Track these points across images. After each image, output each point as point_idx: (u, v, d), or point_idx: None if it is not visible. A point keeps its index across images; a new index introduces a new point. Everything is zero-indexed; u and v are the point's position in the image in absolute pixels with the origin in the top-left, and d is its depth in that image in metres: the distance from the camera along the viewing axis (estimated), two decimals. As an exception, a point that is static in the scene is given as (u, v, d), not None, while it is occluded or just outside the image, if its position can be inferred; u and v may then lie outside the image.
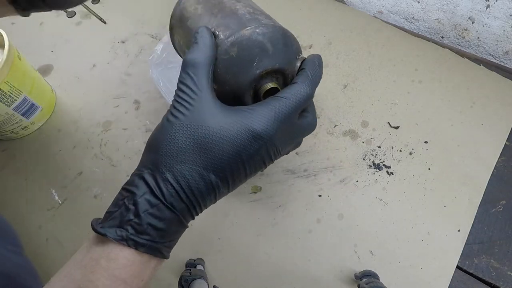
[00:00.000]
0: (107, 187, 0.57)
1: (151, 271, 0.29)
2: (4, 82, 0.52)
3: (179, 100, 0.28)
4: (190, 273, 0.45)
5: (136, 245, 0.26)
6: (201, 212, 0.30)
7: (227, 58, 0.31)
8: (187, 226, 0.30)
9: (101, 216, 0.29)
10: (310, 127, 0.33)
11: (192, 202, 0.28)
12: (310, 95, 0.31)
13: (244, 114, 0.28)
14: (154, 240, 0.27)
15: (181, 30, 0.38)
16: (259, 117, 0.28)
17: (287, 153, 0.35)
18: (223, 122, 0.28)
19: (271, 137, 0.28)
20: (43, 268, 0.52)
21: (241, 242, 0.52)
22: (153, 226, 0.27)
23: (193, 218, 0.30)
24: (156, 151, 0.28)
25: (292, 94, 0.29)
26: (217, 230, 0.53)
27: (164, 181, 0.27)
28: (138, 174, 0.28)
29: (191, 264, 0.49)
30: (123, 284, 0.26)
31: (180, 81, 0.29)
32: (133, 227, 0.26)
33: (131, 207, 0.27)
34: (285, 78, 0.34)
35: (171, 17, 0.39)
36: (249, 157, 0.28)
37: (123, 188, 0.29)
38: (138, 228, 0.26)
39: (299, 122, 0.32)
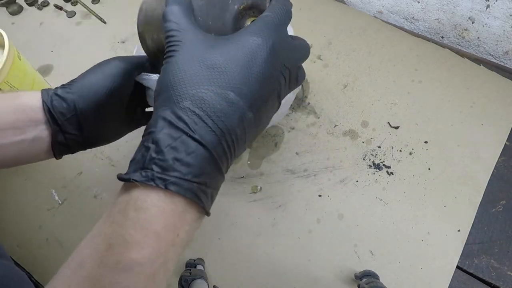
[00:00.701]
0: (107, 187, 0.57)
1: (188, 226, 0.25)
2: (4, 82, 0.52)
3: (170, 44, 0.28)
4: (190, 273, 0.45)
5: (166, 184, 0.23)
6: (234, 151, 0.26)
7: (203, 3, 0.32)
8: (223, 172, 0.26)
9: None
10: (304, 47, 0.32)
11: (221, 129, 0.25)
12: (289, 10, 0.31)
13: (239, 32, 0.28)
14: (185, 177, 0.23)
15: (151, 26, 0.37)
16: (253, 28, 0.28)
17: (291, 88, 0.32)
18: (222, 41, 0.28)
19: (273, 43, 0.28)
20: (43, 268, 0.52)
21: (241, 242, 0.52)
22: (181, 160, 0.23)
23: (228, 159, 0.26)
24: (165, 90, 0.26)
25: (271, 10, 0.30)
26: (217, 230, 0.53)
27: (183, 110, 0.25)
28: (154, 117, 0.26)
29: (191, 264, 0.49)
30: (155, 237, 0.23)
31: (166, 30, 0.29)
32: (158, 164, 0.23)
33: (151, 145, 0.24)
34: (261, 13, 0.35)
35: (138, 27, 0.38)
36: (260, 69, 0.27)
37: (143, 135, 0.26)
38: (163, 165, 0.23)
39: (293, 42, 0.31)
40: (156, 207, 0.23)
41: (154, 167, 0.23)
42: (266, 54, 0.27)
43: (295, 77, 0.31)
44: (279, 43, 0.28)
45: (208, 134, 0.25)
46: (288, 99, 0.51)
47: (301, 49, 0.32)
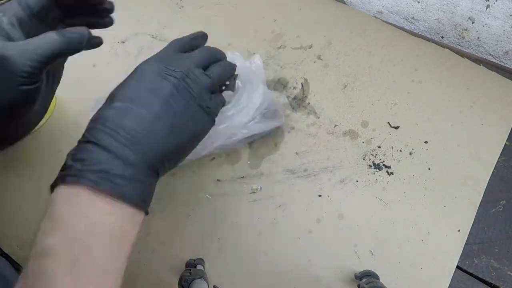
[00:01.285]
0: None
1: (101, 212, 0.28)
2: None
3: None
4: (190, 273, 0.45)
5: (64, 179, 0.28)
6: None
7: None
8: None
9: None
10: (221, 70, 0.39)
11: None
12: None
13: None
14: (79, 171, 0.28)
15: None
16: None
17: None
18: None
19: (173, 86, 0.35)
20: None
21: (241, 242, 0.52)
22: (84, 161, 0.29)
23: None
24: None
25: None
26: (217, 230, 0.53)
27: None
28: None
29: (191, 264, 0.49)
30: (61, 224, 0.27)
31: None
32: (63, 169, 0.29)
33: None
34: None
35: None
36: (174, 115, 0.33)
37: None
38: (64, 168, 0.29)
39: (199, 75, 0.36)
40: (61, 199, 0.28)
41: (67, 170, 0.29)
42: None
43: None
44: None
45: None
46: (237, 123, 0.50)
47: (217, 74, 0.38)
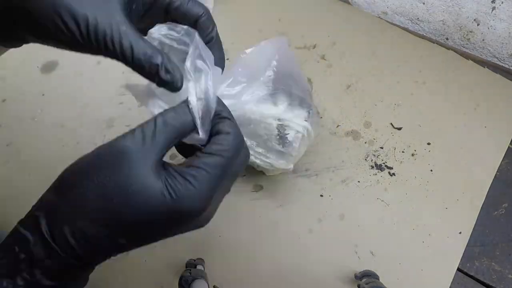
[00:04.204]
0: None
1: None
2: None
3: None
4: (190, 273, 0.45)
5: None
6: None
7: None
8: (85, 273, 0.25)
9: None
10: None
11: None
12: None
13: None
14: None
15: None
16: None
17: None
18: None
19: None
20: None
21: (241, 241, 0.53)
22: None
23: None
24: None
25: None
26: (217, 229, 0.54)
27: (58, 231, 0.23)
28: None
29: (191, 264, 0.49)
30: None
31: None
32: (25, 279, 0.22)
33: (22, 255, 0.23)
34: None
35: None
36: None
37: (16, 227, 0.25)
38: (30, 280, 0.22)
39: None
40: None
41: (19, 280, 0.22)
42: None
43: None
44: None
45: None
46: None
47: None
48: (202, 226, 0.26)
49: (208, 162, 0.23)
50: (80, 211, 0.23)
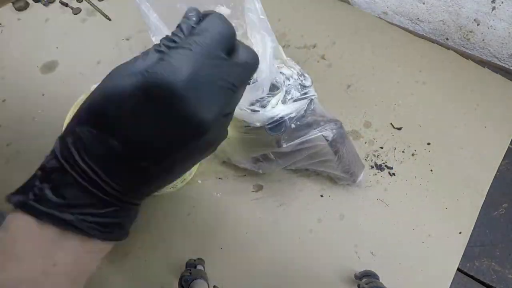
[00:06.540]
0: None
1: (72, 255, 0.24)
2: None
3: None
4: (190, 273, 0.45)
5: (36, 213, 0.22)
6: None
7: None
8: (114, 201, 0.24)
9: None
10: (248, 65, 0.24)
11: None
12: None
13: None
14: (58, 209, 0.22)
15: None
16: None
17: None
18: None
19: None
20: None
21: (241, 241, 0.53)
22: (56, 191, 0.23)
23: (117, 189, 0.24)
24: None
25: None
26: (217, 229, 0.54)
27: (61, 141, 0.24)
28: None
29: (191, 264, 0.49)
30: (17, 261, 0.22)
31: None
32: (35, 192, 0.23)
33: (38, 172, 0.24)
34: None
35: None
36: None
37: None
38: (40, 194, 0.23)
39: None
40: (23, 232, 0.23)
41: (30, 195, 0.23)
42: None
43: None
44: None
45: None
46: None
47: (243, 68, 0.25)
48: (210, 141, 0.24)
49: (191, 40, 0.22)
50: (76, 119, 0.24)
